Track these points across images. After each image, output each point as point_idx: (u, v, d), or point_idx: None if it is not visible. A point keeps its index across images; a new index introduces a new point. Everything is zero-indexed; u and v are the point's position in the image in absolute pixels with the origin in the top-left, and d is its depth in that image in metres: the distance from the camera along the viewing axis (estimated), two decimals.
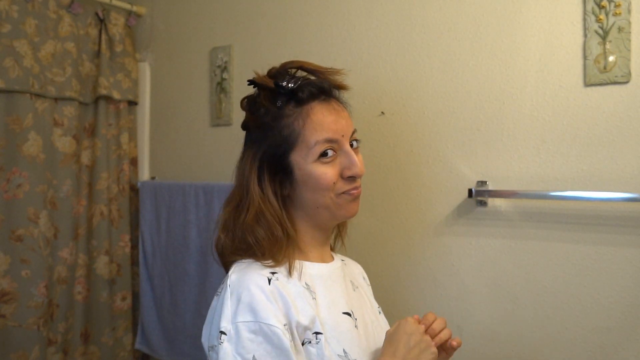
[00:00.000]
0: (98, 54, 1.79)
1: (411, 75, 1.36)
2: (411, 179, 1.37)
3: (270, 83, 0.80)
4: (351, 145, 0.83)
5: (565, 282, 1.17)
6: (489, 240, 1.26)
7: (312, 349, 0.75)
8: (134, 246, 1.88)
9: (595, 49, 1.13)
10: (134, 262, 1.88)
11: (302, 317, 0.75)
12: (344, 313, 0.83)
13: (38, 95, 1.60)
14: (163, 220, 1.75)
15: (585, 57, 1.14)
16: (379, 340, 0.84)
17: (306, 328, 0.75)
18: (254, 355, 0.69)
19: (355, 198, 0.84)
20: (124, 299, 1.83)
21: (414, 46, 1.36)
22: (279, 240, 0.80)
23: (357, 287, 0.93)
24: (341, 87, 0.86)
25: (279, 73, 0.82)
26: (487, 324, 1.26)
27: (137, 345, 1.82)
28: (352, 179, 0.81)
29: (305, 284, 0.80)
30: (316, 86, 0.81)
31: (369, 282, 1.05)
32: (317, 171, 0.79)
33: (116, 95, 1.80)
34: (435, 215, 1.33)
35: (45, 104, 1.63)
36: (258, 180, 0.81)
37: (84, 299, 1.74)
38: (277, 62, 1.70)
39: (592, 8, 1.13)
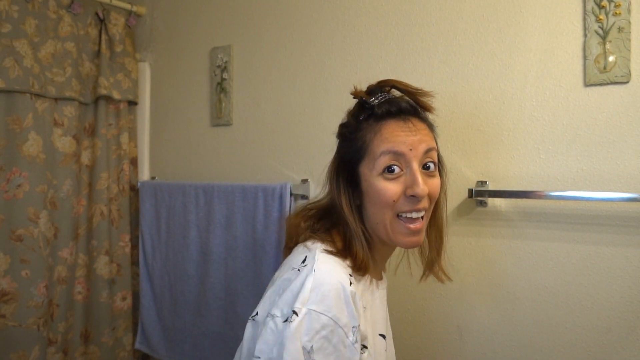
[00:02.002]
0: (98, 54, 1.79)
1: (411, 75, 1.36)
2: None
3: (361, 96, 0.85)
4: (426, 167, 0.83)
5: (565, 282, 1.17)
6: (489, 240, 1.26)
7: None
8: (134, 246, 1.88)
9: (595, 49, 1.13)
10: (134, 262, 1.88)
11: (363, 325, 0.77)
12: (380, 335, 0.85)
13: (38, 95, 1.60)
14: (163, 220, 1.75)
15: (585, 57, 1.14)
16: None
17: (362, 336, 0.78)
18: (312, 346, 0.70)
19: (413, 233, 0.82)
20: (124, 298, 1.83)
21: (414, 46, 1.36)
22: (362, 248, 0.82)
23: (387, 309, 0.96)
24: (426, 108, 0.87)
25: (373, 90, 0.86)
26: (487, 324, 1.26)
27: (137, 345, 1.82)
28: (413, 199, 0.80)
29: (362, 294, 0.82)
30: (394, 104, 0.83)
31: None
32: (379, 185, 0.80)
33: (116, 95, 1.80)
34: None
35: (45, 104, 1.63)
36: (337, 186, 0.86)
37: (84, 299, 1.74)
38: (277, 62, 1.71)
39: (592, 8, 1.13)
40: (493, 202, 1.25)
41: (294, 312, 0.71)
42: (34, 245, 1.57)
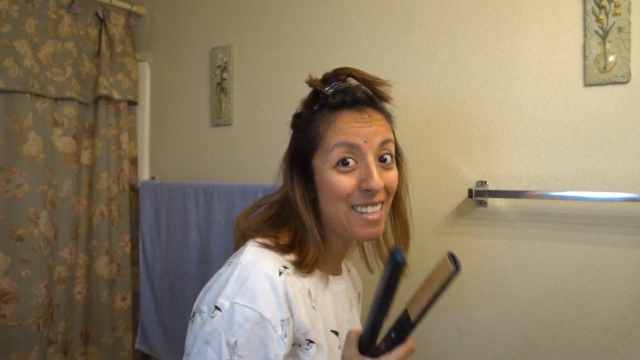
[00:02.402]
0: (98, 54, 1.79)
1: (411, 75, 1.36)
2: (411, 178, 1.36)
3: (316, 84, 0.82)
4: (382, 160, 0.79)
5: (565, 282, 1.17)
6: (489, 240, 1.26)
7: (300, 354, 0.74)
8: (134, 246, 1.88)
9: (595, 49, 1.13)
10: (134, 262, 1.88)
11: (302, 320, 0.74)
12: (332, 331, 0.82)
13: (38, 95, 1.60)
14: (163, 220, 1.75)
15: (585, 57, 1.14)
16: None
17: (301, 330, 0.74)
18: (236, 341, 0.68)
19: (371, 223, 0.79)
20: (124, 299, 1.83)
21: (414, 46, 1.36)
22: (312, 244, 0.80)
23: (353, 307, 0.92)
24: (383, 98, 0.84)
25: (329, 78, 0.83)
26: (487, 324, 1.26)
27: (137, 345, 1.82)
28: (368, 193, 0.77)
29: (309, 291, 0.79)
30: (349, 94, 0.80)
31: (361, 300, 1.04)
32: (332, 178, 0.77)
33: (116, 95, 1.80)
34: (435, 215, 1.33)
35: (45, 104, 1.63)
36: (290, 179, 0.82)
37: (84, 299, 1.74)
38: (277, 62, 1.71)
39: (592, 8, 1.13)
40: (493, 202, 1.25)
41: (217, 308, 0.70)
42: (34, 245, 1.57)
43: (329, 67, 1.48)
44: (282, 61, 1.59)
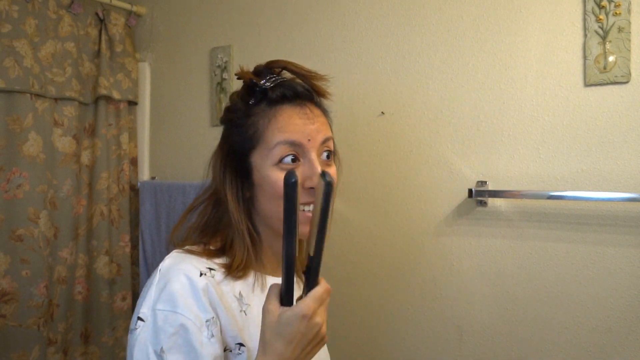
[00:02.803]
0: (98, 54, 1.79)
1: (411, 75, 1.36)
2: (411, 179, 1.37)
3: (249, 78, 0.77)
4: (324, 157, 0.77)
5: (565, 282, 1.17)
6: (489, 240, 1.26)
7: (233, 359, 0.71)
8: (134, 246, 1.88)
9: (595, 49, 1.13)
10: (134, 262, 1.88)
11: (228, 322, 0.71)
12: None
13: (38, 95, 1.60)
14: (163, 220, 1.75)
15: (585, 57, 1.14)
16: None
17: (229, 333, 0.71)
18: (162, 347, 0.65)
19: (309, 220, 0.75)
20: (124, 299, 1.83)
21: (414, 46, 1.36)
22: (243, 247, 0.76)
23: None
24: (321, 93, 0.80)
25: (262, 71, 0.79)
26: (487, 324, 1.26)
27: None
28: (312, 190, 0.73)
29: (240, 294, 0.74)
30: (290, 88, 0.77)
31: None
32: (274, 176, 0.73)
33: (116, 95, 1.80)
34: (435, 215, 1.33)
35: (45, 104, 1.62)
36: (223, 178, 0.78)
37: (84, 299, 1.74)
38: None
39: (592, 8, 1.13)
40: (493, 202, 1.25)
41: (140, 319, 0.67)
42: (34, 245, 1.57)
43: (329, 67, 1.49)
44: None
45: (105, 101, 1.79)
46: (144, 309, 0.68)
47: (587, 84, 1.14)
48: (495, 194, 1.23)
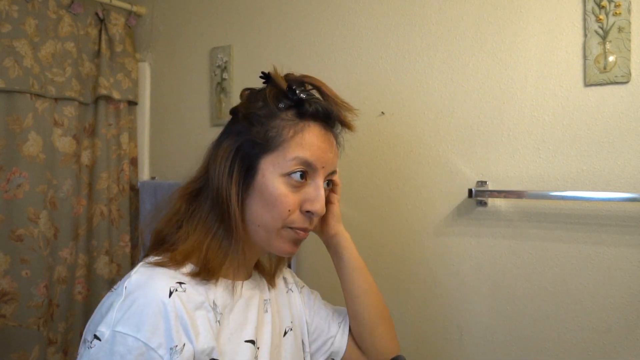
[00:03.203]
0: (98, 54, 1.79)
1: (411, 75, 1.36)
2: (411, 179, 1.37)
3: (284, 83, 0.76)
4: (325, 188, 0.77)
5: (565, 282, 1.17)
6: (489, 240, 1.26)
7: None
8: (134, 246, 1.88)
9: (595, 49, 1.13)
10: (134, 262, 1.88)
11: (201, 341, 0.66)
12: (247, 341, 0.74)
13: (38, 95, 1.60)
14: None
15: (585, 57, 1.14)
16: None
17: (203, 352, 0.66)
18: None
19: (298, 241, 0.76)
20: None
21: (414, 46, 1.36)
22: (221, 252, 0.73)
23: (269, 309, 0.83)
24: (347, 125, 0.80)
25: (296, 80, 0.78)
26: (487, 324, 1.26)
27: None
28: (309, 215, 0.74)
29: (214, 303, 0.71)
30: (324, 108, 0.76)
31: (298, 288, 0.95)
32: (279, 189, 0.72)
33: (116, 95, 1.80)
34: (435, 215, 1.33)
35: (45, 104, 1.63)
36: (229, 173, 0.74)
37: (84, 299, 1.74)
38: (277, 62, 1.70)
39: (592, 8, 1.13)
40: (493, 202, 1.25)
41: (96, 337, 0.62)
42: (34, 245, 1.57)
43: (329, 67, 1.49)
44: (282, 61, 1.59)
45: (105, 101, 1.79)
46: (103, 327, 0.63)
47: (587, 84, 1.14)
48: (495, 194, 1.23)
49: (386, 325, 0.92)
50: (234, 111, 0.81)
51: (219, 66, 1.71)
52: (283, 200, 0.72)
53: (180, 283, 0.68)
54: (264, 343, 0.77)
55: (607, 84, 1.12)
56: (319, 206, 0.74)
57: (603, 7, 1.11)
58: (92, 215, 1.77)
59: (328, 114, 0.76)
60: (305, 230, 0.76)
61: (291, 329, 0.86)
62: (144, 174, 1.91)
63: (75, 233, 1.72)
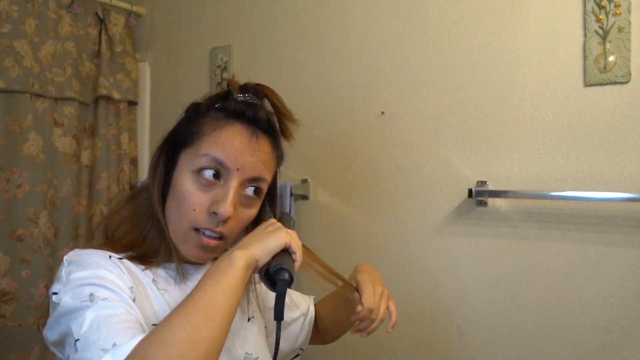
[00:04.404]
0: (98, 54, 1.79)
1: (411, 75, 1.36)
2: (411, 179, 1.37)
3: (232, 86, 0.76)
4: (246, 194, 0.72)
5: (565, 282, 1.17)
6: (489, 240, 1.26)
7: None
8: None
9: (595, 49, 1.13)
10: None
11: (144, 298, 0.69)
12: None
13: (38, 95, 1.60)
14: None
15: (585, 57, 1.14)
16: (241, 346, 0.79)
17: (144, 313, 0.68)
18: (90, 294, 0.62)
19: (204, 247, 0.71)
20: None
21: (414, 46, 1.36)
22: (156, 241, 0.74)
23: None
24: (284, 133, 0.78)
25: (247, 88, 0.77)
26: (487, 324, 1.26)
27: None
28: (214, 216, 0.70)
29: (153, 280, 0.73)
30: (253, 111, 0.73)
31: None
32: (187, 185, 0.70)
33: (116, 95, 1.80)
34: (435, 215, 1.33)
35: (45, 104, 1.62)
36: (156, 163, 0.76)
37: None
38: (276, 62, 1.71)
39: (592, 8, 1.13)
40: (493, 202, 1.25)
41: (54, 294, 0.66)
42: (34, 245, 1.57)
43: (329, 67, 1.49)
44: (282, 61, 1.59)
45: (105, 101, 1.79)
46: (56, 286, 0.66)
47: (587, 84, 1.14)
48: (495, 194, 1.23)
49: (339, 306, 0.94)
50: (186, 108, 0.82)
51: (219, 66, 1.71)
52: (189, 199, 0.70)
53: (118, 258, 0.70)
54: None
55: (607, 84, 1.12)
56: (224, 207, 0.69)
57: (603, 7, 1.11)
58: (92, 215, 1.77)
59: (255, 116, 0.73)
60: (211, 233, 0.71)
61: (253, 317, 0.85)
62: (144, 174, 1.91)
63: (75, 233, 1.72)
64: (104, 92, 1.75)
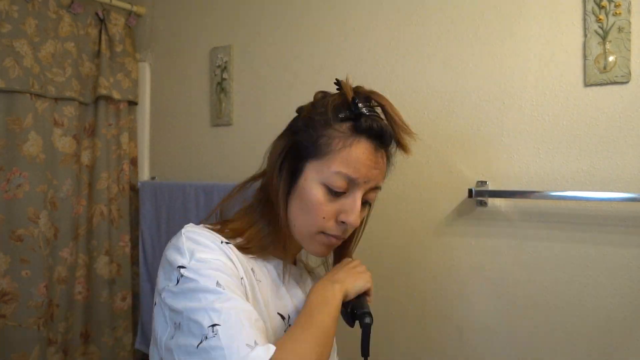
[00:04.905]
0: (98, 54, 1.79)
1: (411, 75, 1.36)
2: (411, 179, 1.37)
3: (350, 94, 0.78)
4: (364, 200, 0.79)
5: (565, 282, 1.17)
6: (489, 240, 1.26)
7: None
8: (134, 246, 1.88)
9: (595, 49, 1.13)
10: (134, 262, 1.88)
11: (249, 286, 0.74)
12: (279, 314, 0.79)
13: (38, 95, 1.60)
14: (163, 220, 1.75)
15: (585, 57, 1.14)
16: None
17: (245, 285, 0.74)
18: (217, 281, 0.66)
19: (330, 246, 0.80)
20: (124, 299, 1.83)
21: (414, 46, 1.36)
22: (269, 237, 0.80)
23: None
24: (403, 147, 0.80)
25: (362, 94, 0.79)
26: (487, 324, 1.26)
27: (137, 345, 1.82)
28: (343, 225, 0.78)
29: (252, 269, 0.77)
30: (380, 128, 0.77)
31: None
32: (317, 196, 0.76)
33: (116, 95, 1.80)
34: (435, 215, 1.33)
35: (45, 104, 1.63)
36: (279, 170, 0.80)
37: (84, 299, 1.74)
38: (276, 62, 1.71)
39: (592, 8, 1.13)
40: (493, 202, 1.25)
41: (181, 267, 0.68)
42: (34, 245, 1.57)
43: (329, 67, 1.49)
44: (282, 61, 1.59)
45: (105, 101, 1.79)
46: (182, 260, 0.69)
47: (587, 84, 1.14)
48: (495, 194, 1.23)
49: None
50: (299, 109, 0.85)
51: (219, 66, 1.71)
52: (319, 208, 0.76)
53: (226, 242, 0.75)
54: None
55: (607, 84, 1.12)
56: (353, 218, 0.76)
57: (603, 7, 1.11)
58: (92, 215, 1.77)
59: (381, 133, 0.77)
60: (334, 237, 0.79)
61: None
62: (144, 174, 1.91)
63: (75, 233, 1.72)
64: (104, 92, 1.75)
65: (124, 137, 1.84)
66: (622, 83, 1.10)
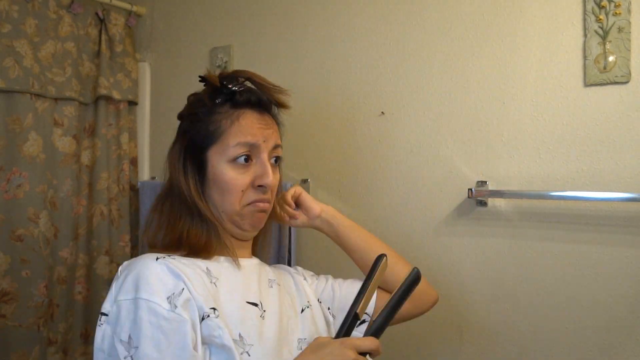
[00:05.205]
0: (98, 54, 1.79)
1: (411, 75, 1.36)
2: (411, 179, 1.37)
3: (216, 81, 0.84)
4: (274, 161, 0.86)
5: (565, 282, 1.17)
6: (489, 240, 1.26)
7: (211, 323, 0.73)
8: (134, 246, 1.88)
9: (595, 49, 1.13)
10: None
11: (196, 287, 0.74)
12: (249, 302, 0.80)
13: (38, 95, 1.60)
14: None
15: (585, 57, 1.14)
16: (292, 333, 0.83)
17: (202, 299, 0.73)
18: (129, 335, 0.67)
19: (261, 211, 0.84)
20: None
21: (414, 46, 1.36)
22: (203, 234, 0.82)
23: (274, 285, 0.89)
24: (282, 105, 0.89)
25: (228, 77, 0.85)
26: (487, 324, 1.26)
27: None
28: (261, 188, 0.83)
29: (207, 268, 0.79)
30: (255, 95, 0.84)
31: (307, 280, 0.99)
32: (228, 174, 0.81)
33: (116, 95, 1.80)
34: (435, 215, 1.33)
35: (45, 104, 1.63)
36: (184, 171, 0.84)
37: (84, 299, 1.74)
38: (277, 62, 1.71)
39: (592, 8, 1.13)
40: (493, 202, 1.25)
41: (103, 314, 0.71)
42: (34, 245, 1.57)
43: (329, 67, 1.49)
44: (282, 61, 1.59)
45: (105, 101, 1.79)
46: (107, 304, 0.72)
47: (587, 84, 1.14)
48: (495, 194, 1.23)
49: (393, 256, 0.96)
50: (179, 116, 0.91)
51: (219, 66, 1.71)
52: (235, 183, 0.81)
53: (168, 255, 0.77)
54: (271, 309, 0.82)
55: (607, 84, 1.12)
56: (267, 180, 0.82)
57: (603, 7, 1.11)
58: (92, 215, 1.77)
59: (259, 100, 0.85)
60: (258, 201, 0.83)
61: (308, 307, 0.91)
62: (144, 174, 1.91)
63: (75, 233, 1.72)
64: (104, 92, 1.75)
65: (124, 137, 1.84)
66: (622, 83, 1.10)
